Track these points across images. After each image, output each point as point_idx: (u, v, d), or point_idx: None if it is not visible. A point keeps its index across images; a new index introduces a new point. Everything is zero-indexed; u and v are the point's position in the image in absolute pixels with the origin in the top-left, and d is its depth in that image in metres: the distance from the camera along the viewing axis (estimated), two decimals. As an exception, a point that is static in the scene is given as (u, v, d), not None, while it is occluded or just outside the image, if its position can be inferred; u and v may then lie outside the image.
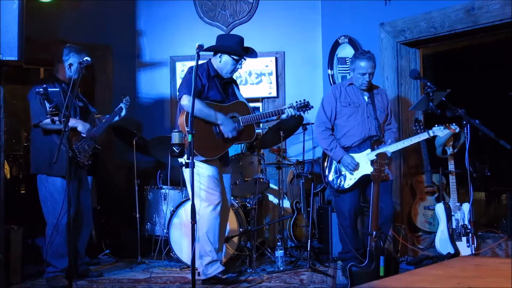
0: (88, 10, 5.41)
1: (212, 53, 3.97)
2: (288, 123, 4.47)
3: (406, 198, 4.89)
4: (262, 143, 4.86)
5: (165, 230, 4.55)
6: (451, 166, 4.23)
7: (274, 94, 5.58)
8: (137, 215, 4.68)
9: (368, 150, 3.96)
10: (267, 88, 5.59)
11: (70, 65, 4.01)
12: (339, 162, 3.98)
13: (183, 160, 3.61)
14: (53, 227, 3.81)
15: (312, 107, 4.13)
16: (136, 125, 5.45)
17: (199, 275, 3.80)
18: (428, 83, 3.71)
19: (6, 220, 3.82)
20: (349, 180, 3.95)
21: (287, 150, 5.52)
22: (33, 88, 3.87)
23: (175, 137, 3.20)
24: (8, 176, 5.61)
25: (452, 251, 4.01)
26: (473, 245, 3.98)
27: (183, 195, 4.68)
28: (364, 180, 3.90)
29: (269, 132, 4.68)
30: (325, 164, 4.07)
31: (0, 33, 3.44)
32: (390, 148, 3.88)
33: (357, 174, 3.93)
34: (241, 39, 3.95)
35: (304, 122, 4.69)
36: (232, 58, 3.89)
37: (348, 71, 5.02)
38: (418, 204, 4.75)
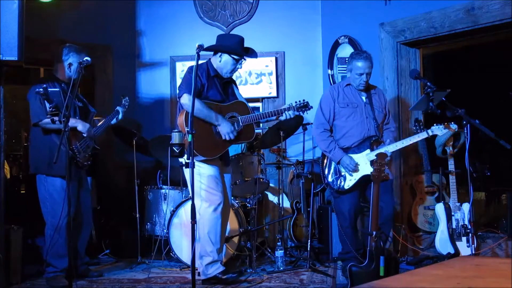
0: (88, 10, 5.42)
1: (212, 52, 3.97)
2: (288, 123, 4.46)
3: (406, 198, 4.88)
4: (262, 143, 4.85)
5: (165, 230, 4.54)
6: (451, 166, 4.22)
7: (274, 94, 5.58)
8: (137, 215, 4.68)
9: (368, 151, 3.96)
10: (267, 88, 5.59)
11: (70, 65, 4.00)
12: (338, 163, 3.97)
13: (183, 160, 3.60)
14: (52, 227, 3.81)
15: (312, 107, 4.12)
16: (136, 125, 5.45)
17: (199, 275, 3.80)
18: (428, 83, 3.71)
19: (6, 220, 3.82)
20: (349, 180, 3.95)
21: (287, 150, 5.52)
22: (33, 88, 3.87)
23: (175, 137, 3.21)
24: (8, 176, 5.60)
25: (452, 251, 4.01)
26: (473, 245, 3.98)
27: (183, 195, 4.68)
28: (364, 181, 3.90)
29: (269, 132, 4.68)
30: (325, 165, 4.07)
31: (0, 33, 3.44)
32: (390, 148, 3.87)
33: (357, 175, 3.93)
34: (241, 39, 3.95)
35: (304, 122, 4.69)
36: (232, 57, 3.89)
37: (348, 71, 5.02)
38: (418, 204, 4.75)
